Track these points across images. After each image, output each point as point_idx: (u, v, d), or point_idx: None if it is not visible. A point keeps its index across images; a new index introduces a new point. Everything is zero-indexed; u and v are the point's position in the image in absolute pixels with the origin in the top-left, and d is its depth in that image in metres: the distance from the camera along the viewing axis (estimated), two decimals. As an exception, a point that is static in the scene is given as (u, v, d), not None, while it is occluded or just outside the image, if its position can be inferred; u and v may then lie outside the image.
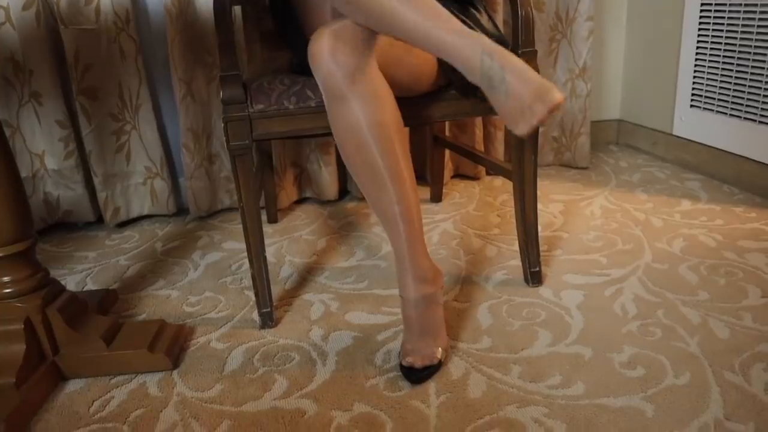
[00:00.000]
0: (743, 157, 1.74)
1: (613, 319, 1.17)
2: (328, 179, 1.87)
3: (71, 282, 1.46)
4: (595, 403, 0.94)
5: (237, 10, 1.65)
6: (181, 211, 1.88)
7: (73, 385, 1.06)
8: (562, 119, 2.03)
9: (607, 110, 2.28)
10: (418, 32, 0.88)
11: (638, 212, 1.66)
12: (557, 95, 0.83)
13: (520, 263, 1.38)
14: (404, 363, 1.03)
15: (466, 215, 1.72)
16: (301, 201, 1.93)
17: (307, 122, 1.14)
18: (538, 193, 1.83)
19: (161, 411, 0.99)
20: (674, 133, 2.01)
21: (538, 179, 1.87)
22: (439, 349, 1.05)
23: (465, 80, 1.15)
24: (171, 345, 1.11)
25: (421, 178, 1.83)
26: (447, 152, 1.91)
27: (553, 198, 1.81)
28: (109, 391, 1.04)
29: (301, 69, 1.20)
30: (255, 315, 1.26)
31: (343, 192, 1.96)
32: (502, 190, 1.92)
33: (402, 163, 1.00)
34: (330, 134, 1.28)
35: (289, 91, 1.13)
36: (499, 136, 2.00)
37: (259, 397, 1.01)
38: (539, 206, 1.71)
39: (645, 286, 1.27)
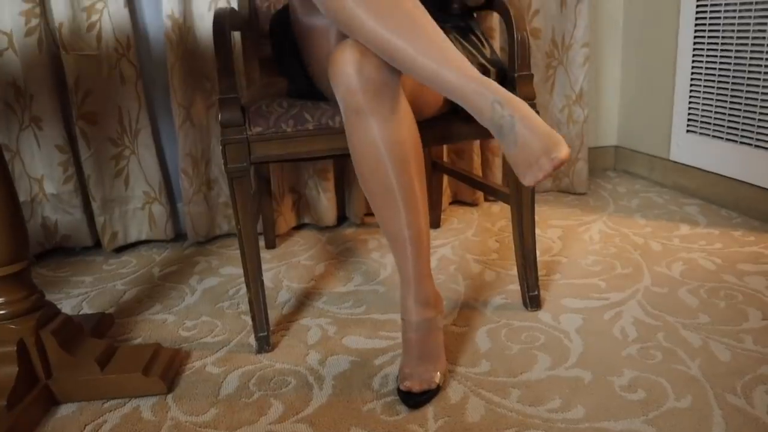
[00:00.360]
0: (740, 181, 1.75)
1: (612, 342, 1.16)
2: (326, 205, 1.87)
3: (67, 306, 1.45)
4: (595, 427, 0.92)
5: (236, 36, 1.68)
6: (179, 236, 1.88)
7: (66, 410, 1.05)
8: (560, 145, 2.04)
9: (604, 137, 2.30)
10: (428, 74, 0.89)
11: (637, 237, 1.66)
12: (563, 151, 0.83)
13: (518, 288, 1.37)
14: (402, 387, 1.02)
15: (464, 241, 1.72)
16: (299, 227, 1.93)
17: (305, 145, 1.15)
18: (537, 218, 1.82)
19: (154, 436, 0.97)
20: (671, 158, 2.02)
21: (536, 205, 1.88)
22: (438, 373, 1.04)
23: None
24: (166, 369, 1.10)
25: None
26: (445, 178, 1.92)
27: (552, 223, 1.81)
28: (102, 415, 1.03)
29: (298, 95, 1.21)
30: (252, 339, 1.24)
31: (342, 218, 1.96)
32: (500, 216, 1.92)
33: (416, 186, 1.00)
34: (327, 158, 1.29)
35: (287, 114, 1.14)
36: (497, 162, 2.01)
37: (254, 421, 0.99)
38: (537, 231, 1.71)
39: (644, 310, 1.27)
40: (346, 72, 0.93)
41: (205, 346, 1.23)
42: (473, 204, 2.02)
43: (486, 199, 2.06)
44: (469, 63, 0.90)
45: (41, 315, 1.05)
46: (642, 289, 1.36)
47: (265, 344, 1.20)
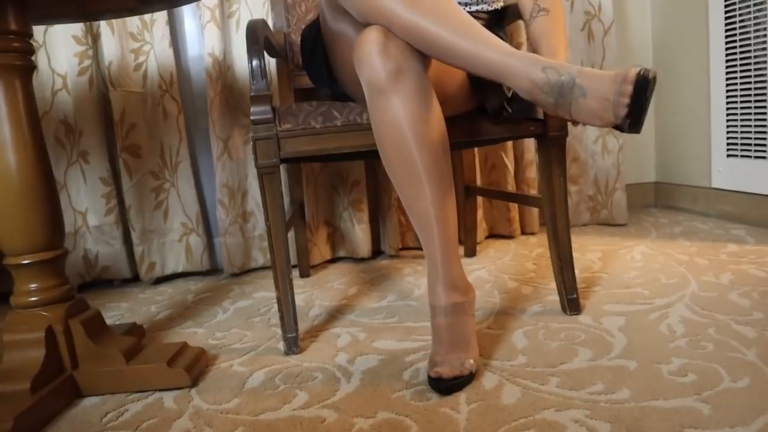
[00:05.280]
0: (789, 199, 1.68)
1: (659, 337, 1.08)
2: (361, 237, 1.86)
3: (101, 325, 1.45)
4: (642, 405, 0.85)
5: (272, 70, 1.76)
6: (215, 270, 1.89)
7: (89, 402, 1.02)
8: (596, 176, 2.02)
9: (643, 173, 2.26)
10: (469, 56, 0.91)
11: (682, 255, 1.59)
12: (632, 69, 0.83)
13: (557, 298, 1.31)
14: (432, 374, 0.96)
15: (501, 265, 1.68)
16: (333, 260, 1.92)
17: (333, 141, 1.16)
18: (575, 245, 1.78)
19: (174, 420, 0.94)
20: (713, 186, 1.96)
21: (573, 236, 1.84)
22: (470, 360, 0.98)
23: (498, 103, 1.18)
24: (192, 364, 1.08)
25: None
26: (480, 212, 1.90)
27: (592, 248, 1.75)
28: (124, 405, 1.00)
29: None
30: (280, 345, 1.21)
31: (377, 252, 1.94)
32: (538, 245, 1.87)
33: (442, 164, 0.99)
34: (359, 156, 1.31)
35: (316, 112, 1.16)
36: (532, 194, 1.99)
37: (277, 408, 0.95)
38: (576, 255, 1.66)
39: (692, 310, 1.19)
40: (370, 51, 0.95)
41: (233, 351, 1.21)
42: (510, 236, 1.99)
43: (523, 232, 2.02)
44: (505, 42, 0.92)
45: (71, 305, 1.05)
46: (689, 294, 1.28)
47: (293, 345, 1.17)
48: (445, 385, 0.95)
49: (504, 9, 1.33)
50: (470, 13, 1.26)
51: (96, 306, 1.15)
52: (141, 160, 1.75)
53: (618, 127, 0.86)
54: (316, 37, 1.24)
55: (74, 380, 1.03)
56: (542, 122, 1.20)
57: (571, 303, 1.24)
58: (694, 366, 0.95)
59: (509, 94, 1.17)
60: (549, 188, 1.24)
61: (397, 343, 1.18)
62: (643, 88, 0.82)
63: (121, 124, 1.72)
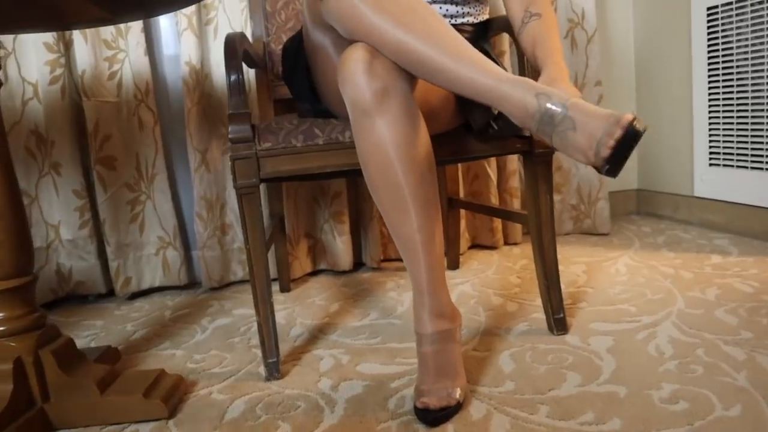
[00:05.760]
0: (771, 210, 1.68)
1: (647, 359, 1.07)
2: (342, 249, 1.83)
3: (74, 347, 1.40)
4: (634, 437, 0.83)
5: (251, 79, 1.71)
6: (193, 284, 1.84)
7: (61, 436, 0.98)
8: (579, 185, 2.01)
9: (625, 180, 2.26)
10: (459, 79, 0.88)
11: (666, 267, 1.58)
12: (627, 114, 0.81)
13: (543, 316, 1.29)
14: (419, 404, 0.94)
15: (484, 278, 1.66)
16: (314, 273, 1.89)
17: (315, 160, 1.13)
18: (559, 257, 1.75)
19: (152, 457, 0.90)
20: (696, 194, 1.96)
21: (558, 245, 1.81)
22: (458, 389, 0.96)
23: (484, 120, 1.15)
24: (169, 394, 1.03)
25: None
26: (463, 222, 1.88)
27: (575, 260, 1.74)
28: (99, 440, 0.96)
29: (308, 116, 1.21)
30: (261, 369, 1.18)
31: (358, 264, 1.91)
32: (521, 256, 1.86)
33: (428, 188, 0.96)
34: (341, 174, 1.27)
35: (297, 130, 1.13)
36: (516, 205, 1.97)
37: (259, 441, 0.92)
38: (561, 267, 1.64)
39: (680, 329, 1.18)
40: (355, 70, 0.91)
41: (213, 376, 1.17)
42: (493, 247, 1.97)
43: (506, 242, 2.00)
44: (496, 65, 0.89)
45: (42, 334, 1.01)
46: (676, 312, 1.27)
47: (274, 371, 1.13)
48: (432, 417, 0.92)
49: (489, 21, 1.31)
50: (455, 25, 1.24)
51: (70, 329, 1.10)
52: (116, 172, 1.70)
53: (596, 168, 0.84)
54: (298, 51, 1.20)
55: (45, 414, 0.99)
56: (528, 139, 1.18)
57: (558, 323, 1.22)
58: (685, 392, 0.94)
59: (495, 112, 1.14)
60: (535, 205, 1.22)
61: (381, 366, 1.15)
62: (631, 135, 0.79)
63: (95, 135, 1.66)
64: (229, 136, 1.10)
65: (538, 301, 1.41)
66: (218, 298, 1.70)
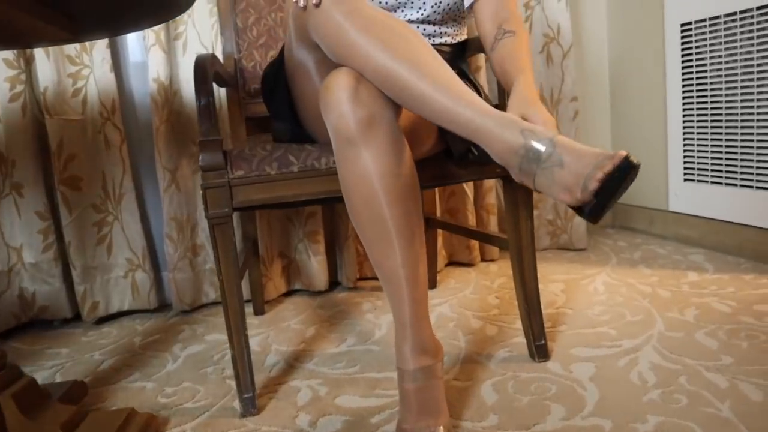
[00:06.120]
0: (744, 225, 1.69)
1: (631, 388, 1.05)
2: (317, 269, 1.79)
3: (39, 378, 1.34)
4: (622, 478, 0.82)
5: (222, 97, 1.67)
6: (163, 306, 1.79)
7: (23, 485, 0.93)
8: (555, 201, 2.00)
9: (600, 194, 2.26)
10: (443, 111, 0.85)
11: (644, 285, 1.58)
12: (619, 152, 0.78)
13: (523, 340, 1.28)
14: (401, 444, 0.91)
15: (462, 299, 1.63)
16: (289, 293, 1.85)
17: (290, 189, 1.09)
18: (537, 274, 1.75)
19: None
20: (670, 209, 1.97)
21: (536, 261, 1.80)
22: (440, 427, 0.93)
23: (464, 147, 1.13)
24: (139, 435, 0.99)
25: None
26: (440, 240, 1.86)
27: (553, 278, 1.73)
28: (64, 490, 0.91)
29: (285, 139, 1.17)
30: (236, 403, 1.14)
31: (334, 283, 1.88)
32: (498, 274, 1.84)
33: (413, 221, 0.93)
34: (316, 202, 1.23)
35: (270, 157, 1.09)
36: (492, 221, 1.96)
37: (235, 488, 0.88)
38: (540, 286, 1.63)
39: (662, 354, 1.17)
40: (340, 98, 0.87)
41: (186, 412, 1.12)
42: (470, 264, 1.95)
43: (483, 259, 1.98)
44: (481, 98, 0.86)
45: (1, 376, 0.95)
46: (656, 335, 1.26)
47: (250, 407, 1.09)
48: (415, 458, 0.89)
49: (466, 42, 1.29)
50: (434, 45, 1.21)
51: (34, 358, 1.05)
52: (81, 192, 1.63)
53: (579, 208, 0.81)
54: (278, 72, 1.15)
55: (5, 462, 0.93)
56: (508, 164, 1.16)
57: (539, 349, 1.21)
58: (671, 426, 0.92)
59: None
60: (515, 231, 1.20)
61: (361, 399, 1.12)
62: (625, 168, 0.76)
63: (58, 154, 1.59)
64: (200, 164, 1.06)
65: (518, 324, 1.40)
66: (190, 322, 1.65)
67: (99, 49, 1.62)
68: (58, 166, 1.60)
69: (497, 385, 1.12)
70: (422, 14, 1.18)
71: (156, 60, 1.63)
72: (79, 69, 1.62)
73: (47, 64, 1.57)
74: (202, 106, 1.08)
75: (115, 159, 1.65)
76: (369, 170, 0.89)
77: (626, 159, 0.76)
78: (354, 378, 1.21)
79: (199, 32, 1.67)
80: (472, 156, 1.13)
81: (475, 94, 0.86)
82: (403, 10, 1.19)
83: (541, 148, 0.81)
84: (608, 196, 0.77)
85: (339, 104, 0.88)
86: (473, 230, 1.45)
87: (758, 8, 1.54)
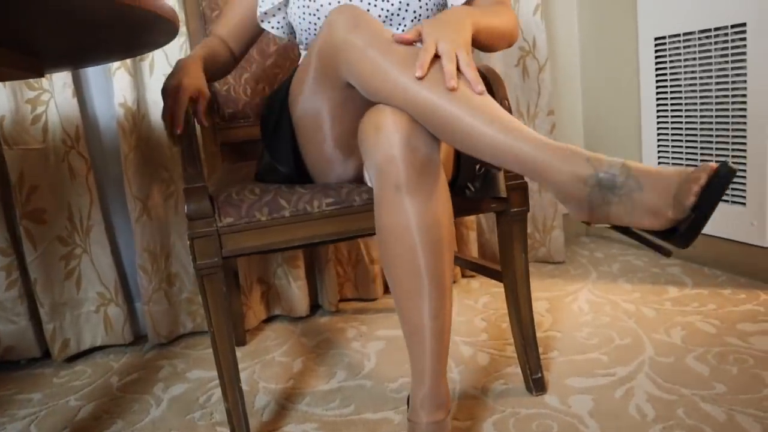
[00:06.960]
0: (719, 237, 1.72)
1: (631, 423, 1.06)
2: (298, 294, 1.74)
3: (12, 431, 1.27)
4: None
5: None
6: (138, 339, 1.71)
7: None
8: (534, 214, 2.00)
9: (573, 202, 2.27)
10: (493, 146, 0.80)
11: (627, 303, 1.59)
12: (708, 164, 0.72)
13: (517, 370, 1.27)
14: (412, 502, 0.89)
15: (448, 320, 1.62)
16: (269, 319, 1.80)
17: (281, 234, 1.05)
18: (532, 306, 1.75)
19: None
20: (645, 220, 2.00)
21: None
22: (451, 480, 0.91)
23: (463, 183, 1.10)
24: (133, 505, 0.94)
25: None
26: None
27: (537, 296, 1.73)
28: None
29: (264, 178, 1.13)
30: (230, 456, 1.09)
31: (315, 307, 1.83)
32: (481, 291, 1.83)
33: (447, 269, 0.89)
34: (309, 246, 1.19)
35: (260, 202, 1.04)
36: (472, 237, 1.94)
37: None
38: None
39: (656, 383, 1.18)
40: (392, 141, 0.83)
41: (177, 470, 1.08)
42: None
43: (464, 275, 1.97)
44: (532, 130, 0.82)
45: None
46: (647, 361, 1.27)
47: (247, 462, 1.06)
48: None
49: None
50: None
51: (4, 405, 0.98)
52: (46, 226, 1.54)
53: (669, 231, 0.73)
54: (281, 111, 1.10)
55: None
56: (504, 200, 1.15)
57: (536, 383, 1.20)
58: (677, 469, 0.93)
59: (478, 169, 1.09)
60: (510, 265, 1.18)
61: (360, 446, 1.09)
62: (725, 176, 0.69)
63: (19, 187, 1.50)
64: (186, 213, 1.00)
65: (509, 351, 1.39)
66: (168, 357, 1.58)
67: (59, 73, 1.53)
68: (20, 199, 1.50)
69: (498, 425, 1.10)
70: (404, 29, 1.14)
71: (122, 84, 1.54)
72: (38, 94, 1.52)
73: (2, 90, 1.47)
74: (185, 148, 1.02)
75: (81, 189, 1.57)
76: (411, 222, 0.86)
77: (726, 165, 0.70)
78: (350, 420, 1.18)
79: (167, 53, 1.59)
80: (469, 193, 1.10)
81: (525, 126, 0.82)
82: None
83: (615, 173, 0.75)
84: (708, 208, 0.71)
85: (390, 147, 0.83)
86: (472, 261, 1.42)
87: (732, 26, 1.56)
